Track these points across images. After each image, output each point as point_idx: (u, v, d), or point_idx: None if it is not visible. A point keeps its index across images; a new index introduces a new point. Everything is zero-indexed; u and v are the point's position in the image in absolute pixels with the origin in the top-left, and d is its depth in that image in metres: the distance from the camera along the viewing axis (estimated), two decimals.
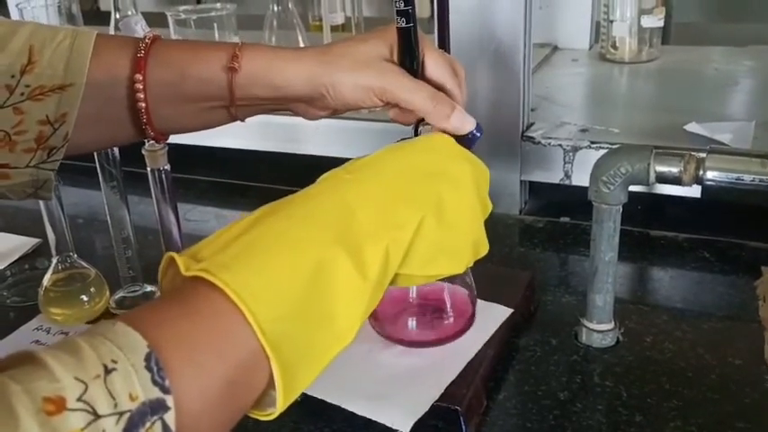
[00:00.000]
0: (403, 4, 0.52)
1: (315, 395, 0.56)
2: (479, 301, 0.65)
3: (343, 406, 0.56)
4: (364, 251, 0.41)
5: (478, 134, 0.55)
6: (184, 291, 0.37)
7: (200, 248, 0.39)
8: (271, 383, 0.37)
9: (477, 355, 0.60)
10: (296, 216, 0.42)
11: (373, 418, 0.54)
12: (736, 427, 0.54)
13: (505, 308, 0.65)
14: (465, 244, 0.49)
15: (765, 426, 0.54)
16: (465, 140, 0.54)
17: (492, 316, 0.64)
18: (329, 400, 0.56)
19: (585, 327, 0.64)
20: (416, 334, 0.61)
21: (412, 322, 0.61)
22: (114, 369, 0.30)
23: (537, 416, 0.56)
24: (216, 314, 0.35)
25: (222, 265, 0.37)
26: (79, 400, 0.28)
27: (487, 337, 0.62)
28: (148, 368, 0.31)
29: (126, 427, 0.29)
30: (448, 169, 0.49)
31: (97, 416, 0.29)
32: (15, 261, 0.85)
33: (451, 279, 0.62)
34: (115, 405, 0.29)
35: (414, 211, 0.45)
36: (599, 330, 0.63)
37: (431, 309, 0.62)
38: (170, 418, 0.31)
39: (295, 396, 0.38)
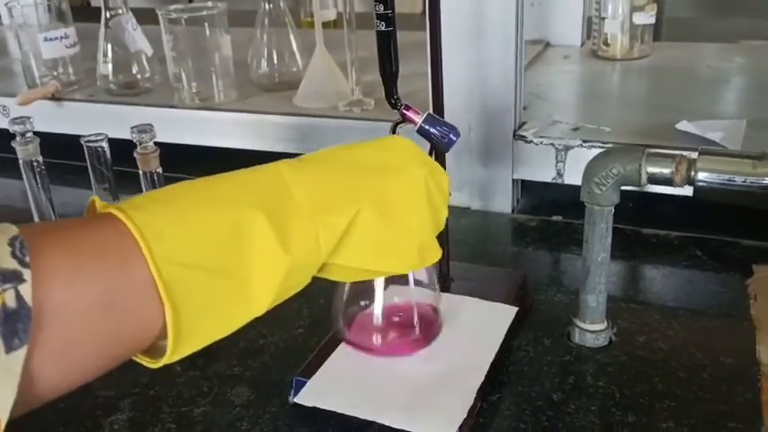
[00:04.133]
0: (383, 8, 0.52)
1: (344, 412, 0.56)
2: (484, 302, 0.65)
3: (378, 421, 0.55)
4: (290, 224, 0.41)
5: (455, 139, 0.55)
6: (89, 217, 0.38)
7: (126, 200, 0.39)
8: (164, 333, 0.37)
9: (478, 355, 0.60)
10: (226, 181, 0.42)
11: (413, 430, 0.54)
12: (729, 426, 0.54)
13: (510, 306, 0.66)
14: (409, 244, 0.48)
15: (757, 425, 0.54)
16: (442, 145, 0.55)
17: (497, 315, 0.65)
18: (362, 416, 0.56)
19: (578, 327, 0.64)
20: (384, 347, 0.61)
21: (377, 338, 0.61)
22: None
23: (530, 417, 0.56)
24: (112, 234, 0.36)
25: (135, 206, 0.37)
26: None
27: (501, 338, 0.62)
28: (11, 245, 0.31)
29: None
30: (398, 167, 0.48)
31: None
32: None
33: (420, 293, 0.61)
34: None
35: (352, 200, 0.45)
36: (592, 330, 0.64)
37: (393, 322, 0.62)
38: (25, 290, 0.31)
39: (189, 349, 0.38)
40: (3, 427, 0.30)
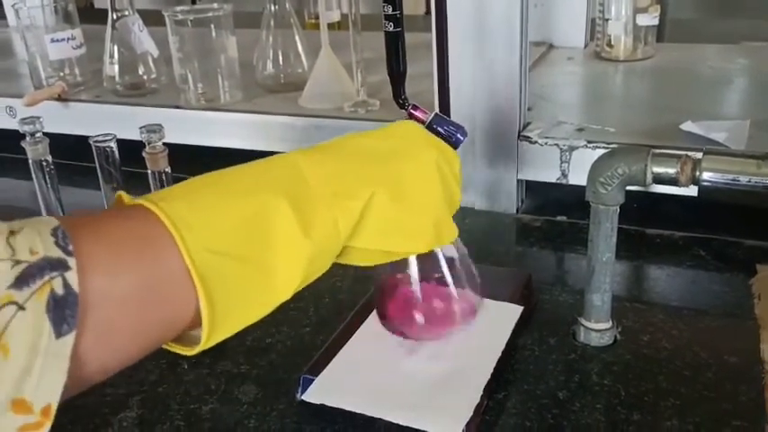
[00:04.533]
0: (391, 9, 0.53)
1: (351, 409, 0.57)
2: (489, 301, 0.65)
3: (385, 418, 0.55)
4: (310, 211, 0.42)
5: (462, 138, 0.55)
6: (119, 208, 0.39)
7: (149, 194, 0.40)
8: (197, 322, 0.38)
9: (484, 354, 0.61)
10: (245, 171, 0.43)
11: (420, 428, 0.54)
12: (733, 425, 0.55)
13: (515, 306, 0.66)
14: (424, 223, 0.49)
15: (761, 424, 0.55)
16: (449, 143, 0.55)
17: (503, 314, 0.65)
18: (369, 414, 0.56)
19: (583, 326, 0.64)
20: (422, 328, 0.61)
21: (419, 317, 0.61)
22: (19, 232, 0.32)
23: (536, 415, 0.57)
24: (144, 225, 0.37)
25: (162, 197, 0.38)
26: None
27: (507, 337, 0.62)
28: (54, 235, 0.32)
29: (20, 275, 0.30)
30: (409, 151, 0.50)
31: None
32: None
33: (455, 275, 0.61)
34: (12, 254, 0.31)
35: (366, 184, 0.46)
36: (597, 329, 0.64)
37: (434, 301, 0.62)
38: (71, 277, 0.32)
39: (220, 336, 0.39)
40: (54, 411, 0.31)
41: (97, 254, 0.34)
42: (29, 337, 0.30)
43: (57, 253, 0.32)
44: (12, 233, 0.31)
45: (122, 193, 0.40)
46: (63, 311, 0.31)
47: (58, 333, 0.31)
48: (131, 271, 0.35)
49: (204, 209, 0.39)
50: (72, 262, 0.32)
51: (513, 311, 0.66)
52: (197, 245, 0.37)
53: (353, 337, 0.64)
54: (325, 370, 0.60)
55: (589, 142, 0.82)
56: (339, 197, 0.44)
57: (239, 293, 0.39)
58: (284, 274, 0.41)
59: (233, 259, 0.38)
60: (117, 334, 0.34)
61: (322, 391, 0.58)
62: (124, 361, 0.36)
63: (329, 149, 0.49)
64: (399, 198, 0.47)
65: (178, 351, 0.40)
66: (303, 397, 0.59)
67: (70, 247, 0.32)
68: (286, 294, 0.41)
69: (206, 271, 0.37)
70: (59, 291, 0.31)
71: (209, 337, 0.38)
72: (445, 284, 0.61)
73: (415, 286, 0.61)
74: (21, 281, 0.30)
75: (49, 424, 0.31)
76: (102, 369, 0.34)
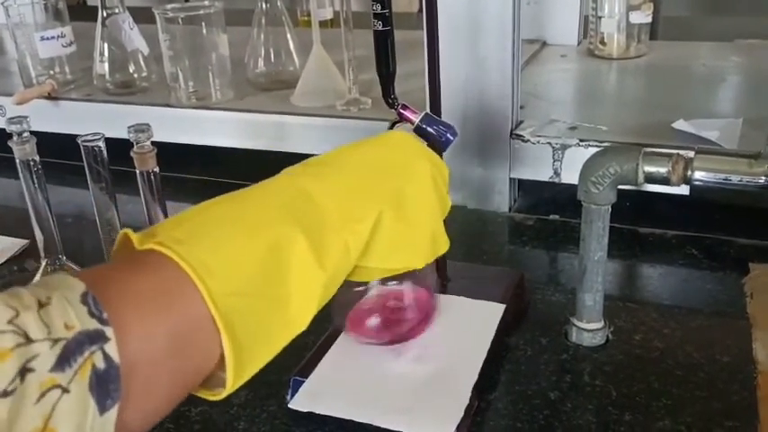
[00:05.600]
0: (380, 7, 0.53)
1: (341, 416, 0.56)
2: (471, 300, 0.65)
3: (375, 423, 0.55)
4: (323, 240, 0.42)
5: (452, 138, 0.55)
6: (135, 257, 0.37)
7: (155, 228, 0.39)
8: (220, 364, 0.37)
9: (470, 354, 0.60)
10: (252, 199, 0.43)
11: (411, 431, 0.54)
12: (725, 425, 0.54)
13: (497, 304, 0.66)
14: (423, 239, 0.49)
15: (753, 424, 0.54)
16: (439, 144, 0.55)
17: (486, 314, 0.65)
18: (358, 419, 0.55)
19: (575, 326, 0.64)
20: (376, 332, 0.61)
21: (374, 320, 0.61)
22: (48, 303, 0.30)
23: (527, 416, 0.57)
24: (166, 275, 0.36)
25: (177, 240, 0.37)
26: (9, 323, 0.29)
27: (491, 336, 0.62)
28: (84, 303, 0.31)
29: (62, 354, 0.29)
30: (407, 165, 0.50)
31: (29, 340, 0.29)
32: (3, 263, 0.84)
33: (414, 277, 0.61)
34: (49, 332, 0.29)
35: (373, 204, 0.46)
36: (589, 329, 0.64)
37: (389, 307, 0.62)
38: (111, 348, 0.31)
39: (245, 378, 0.38)
40: None
41: (130, 318, 0.33)
42: (75, 418, 0.29)
43: (92, 324, 0.31)
44: (41, 305, 0.30)
45: (129, 232, 0.39)
46: (106, 386, 0.30)
47: (102, 408, 0.30)
48: (162, 328, 0.34)
49: (222, 250, 0.38)
50: (109, 332, 0.31)
51: (496, 310, 0.65)
52: (219, 291, 0.36)
53: (339, 339, 0.63)
54: (311, 375, 0.59)
55: (581, 141, 0.82)
56: (349, 220, 0.44)
57: (260, 333, 0.38)
58: (298, 308, 0.40)
59: (253, 299, 0.38)
60: (154, 393, 0.34)
61: (310, 398, 0.58)
62: (161, 415, 0.35)
63: (330, 165, 0.48)
64: (402, 215, 0.47)
65: (206, 397, 0.39)
66: (291, 405, 0.58)
67: (104, 315, 0.31)
68: (302, 326, 0.41)
69: (229, 315, 0.36)
70: (100, 365, 0.30)
71: (235, 381, 0.37)
72: (400, 288, 0.61)
73: (372, 293, 0.61)
74: (62, 361, 0.29)
75: None
76: (141, 427, 0.34)
